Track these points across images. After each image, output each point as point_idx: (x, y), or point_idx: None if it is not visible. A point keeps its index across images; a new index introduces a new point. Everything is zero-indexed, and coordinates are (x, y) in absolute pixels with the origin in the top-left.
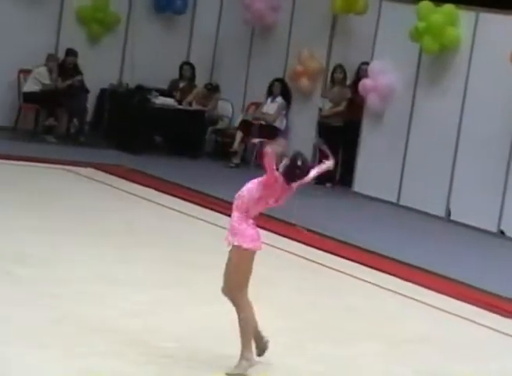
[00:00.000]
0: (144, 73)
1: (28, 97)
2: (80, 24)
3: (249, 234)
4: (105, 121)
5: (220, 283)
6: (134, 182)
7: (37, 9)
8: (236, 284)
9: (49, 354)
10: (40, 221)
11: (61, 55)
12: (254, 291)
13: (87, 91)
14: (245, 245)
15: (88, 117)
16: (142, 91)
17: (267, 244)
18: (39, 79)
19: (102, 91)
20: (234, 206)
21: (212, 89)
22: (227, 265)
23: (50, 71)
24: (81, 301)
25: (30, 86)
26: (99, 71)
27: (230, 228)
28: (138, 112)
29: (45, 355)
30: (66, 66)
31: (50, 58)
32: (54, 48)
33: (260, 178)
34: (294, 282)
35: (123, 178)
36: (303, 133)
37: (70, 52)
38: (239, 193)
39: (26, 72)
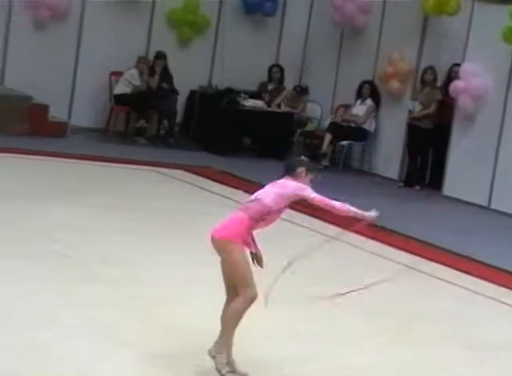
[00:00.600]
0: (233, 75)
1: (119, 99)
2: (170, 27)
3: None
4: (194, 123)
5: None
6: (223, 184)
7: (128, 12)
8: None
9: (136, 353)
10: (128, 222)
11: (151, 58)
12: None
13: (177, 93)
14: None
15: (178, 119)
16: (231, 93)
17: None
18: (130, 81)
19: (192, 93)
20: (245, 207)
21: (301, 91)
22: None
23: (141, 73)
24: (167, 301)
25: (122, 88)
26: (189, 73)
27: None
28: (227, 114)
29: (132, 354)
30: (156, 69)
31: (141, 60)
32: (145, 51)
33: (290, 192)
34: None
35: (212, 179)
36: (393, 136)
37: (160, 55)
38: (262, 199)
39: (117, 74)
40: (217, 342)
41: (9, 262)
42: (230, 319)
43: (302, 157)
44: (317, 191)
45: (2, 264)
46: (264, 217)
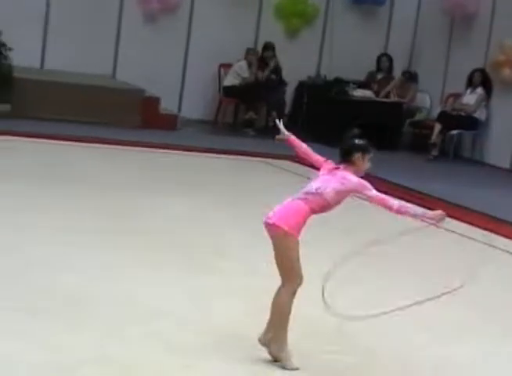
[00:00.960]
0: (342, 65)
1: (228, 91)
2: (279, 18)
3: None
4: (303, 114)
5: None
6: None
7: (237, 4)
8: None
9: (248, 344)
10: (240, 213)
11: (260, 49)
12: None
13: (285, 84)
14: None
15: (287, 109)
16: (339, 83)
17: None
18: (239, 73)
19: (301, 83)
20: (305, 198)
21: (410, 77)
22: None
23: (250, 65)
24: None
25: (230, 80)
26: (298, 64)
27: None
28: (335, 104)
29: (243, 345)
30: (265, 61)
31: (249, 52)
32: (253, 42)
33: (350, 189)
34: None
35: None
36: (504, 124)
37: (268, 47)
38: (324, 193)
39: (226, 66)
40: (268, 332)
41: (124, 254)
42: (278, 315)
43: (356, 141)
44: (428, 183)
45: (116, 255)
46: (324, 210)
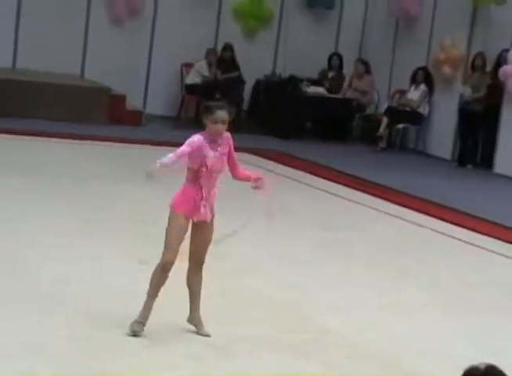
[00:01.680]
0: (296, 64)
1: (190, 89)
2: (237, 20)
3: None
4: (260, 109)
5: None
6: (286, 166)
7: (198, 7)
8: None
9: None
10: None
11: (219, 49)
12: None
13: (243, 82)
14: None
15: (245, 105)
16: (294, 81)
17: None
18: (200, 72)
19: (258, 81)
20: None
21: (364, 64)
22: (207, 238)
23: (210, 65)
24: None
25: (192, 79)
26: (255, 63)
27: (210, 204)
28: (290, 100)
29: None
30: (224, 60)
31: (210, 52)
32: (213, 43)
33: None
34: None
35: (276, 161)
36: (445, 118)
37: (227, 47)
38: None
39: (188, 66)
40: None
41: None
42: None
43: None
44: (376, 173)
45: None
46: (198, 175)
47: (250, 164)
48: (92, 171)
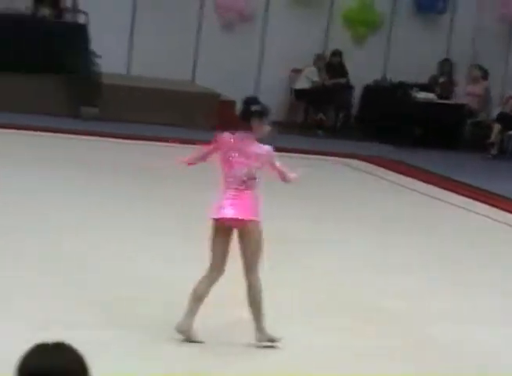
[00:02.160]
0: (406, 69)
1: (299, 94)
2: (346, 26)
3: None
4: (369, 115)
5: None
6: (396, 172)
7: (308, 13)
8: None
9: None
10: (305, 208)
11: (328, 55)
12: None
13: (352, 88)
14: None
15: (354, 111)
16: (404, 86)
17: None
18: (309, 77)
19: (367, 87)
20: (245, 186)
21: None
22: (247, 246)
23: (319, 70)
24: (354, 286)
25: (301, 84)
26: (364, 69)
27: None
28: (400, 106)
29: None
30: (333, 66)
31: (319, 58)
32: (322, 48)
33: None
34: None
35: (386, 168)
36: None
37: (336, 53)
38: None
39: (297, 71)
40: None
41: None
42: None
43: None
44: (487, 180)
45: None
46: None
47: (359, 170)
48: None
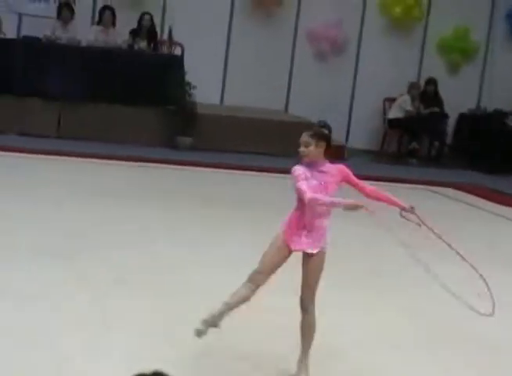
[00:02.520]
0: (501, 97)
1: (392, 123)
2: (441, 54)
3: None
4: (464, 144)
5: None
6: (495, 203)
7: (401, 41)
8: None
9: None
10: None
11: (422, 83)
12: None
13: (446, 116)
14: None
15: (448, 140)
16: (499, 114)
17: None
18: (403, 106)
19: (461, 115)
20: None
21: None
22: (314, 272)
23: (413, 99)
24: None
25: (395, 113)
26: (458, 97)
27: (314, 235)
28: (495, 134)
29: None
30: (427, 94)
31: (413, 86)
32: (416, 77)
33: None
34: None
35: (483, 198)
36: None
37: (431, 81)
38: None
39: (391, 100)
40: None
41: None
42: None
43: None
44: None
45: None
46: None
47: (456, 201)
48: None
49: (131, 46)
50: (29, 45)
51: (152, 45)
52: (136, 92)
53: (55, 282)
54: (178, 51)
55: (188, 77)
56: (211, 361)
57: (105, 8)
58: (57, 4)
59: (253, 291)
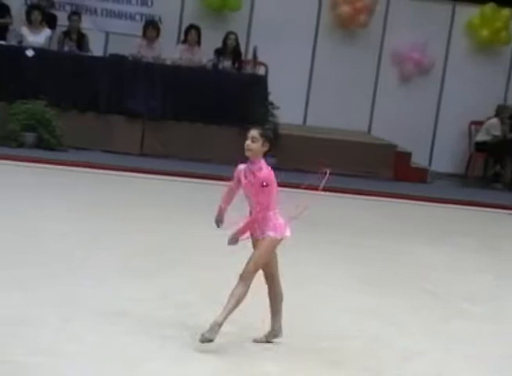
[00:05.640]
0: None
1: (479, 146)
2: None
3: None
4: None
5: None
6: None
7: (488, 62)
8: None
9: None
10: (488, 264)
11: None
12: None
13: None
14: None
15: None
16: None
17: None
18: (490, 130)
19: None
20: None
21: None
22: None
23: (501, 122)
24: None
25: (482, 136)
26: None
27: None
28: None
29: None
30: None
31: (501, 109)
32: (503, 99)
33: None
34: None
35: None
36: None
37: None
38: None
39: (477, 123)
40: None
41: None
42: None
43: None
44: None
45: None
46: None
47: None
48: (378, 227)
49: (215, 65)
50: (115, 63)
51: (236, 64)
52: (219, 111)
53: (139, 298)
54: (261, 71)
55: (271, 98)
56: None
57: (191, 27)
58: (143, 23)
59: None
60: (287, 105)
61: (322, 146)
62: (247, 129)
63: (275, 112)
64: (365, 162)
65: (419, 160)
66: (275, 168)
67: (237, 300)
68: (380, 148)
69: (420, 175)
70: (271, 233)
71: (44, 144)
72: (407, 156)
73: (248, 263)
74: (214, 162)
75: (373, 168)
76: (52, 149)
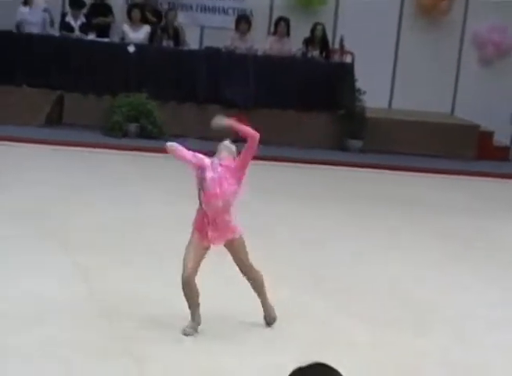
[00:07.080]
0: None
1: None
2: None
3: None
4: None
5: None
6: None
7: None
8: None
9: None
10: None
11: None
12: None
13: None
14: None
15: None
16: None
17: None
18: None
19: None
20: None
21: None
22: (239, 252)
23: None
24: None
25: None
26: None
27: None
28: None
29: None
30: None
31: None
32: None
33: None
34: None
35: None
36: None
37: None
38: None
39: None
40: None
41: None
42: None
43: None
44: None
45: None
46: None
47: None
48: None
49: (304, 54)
50: (211, 55)
51: (324, 53)
52: (309, 98)
53: None
54: (348, 59)
55: (358, 84)
56: None
57: (280, 19)
58: (236, 16)
59: (190, 286)
60: (373, 90)
61: (407, 128)
62: (337, 114)
63: (362, 97)
64: (450, 143)
65: (500, 138)
66: (361, 151)
67: (261, 283)
68: (464, 128)
69: (503, 154)
70: (237, 236)
71: (146, 133)
72: (489, 135)
73: (241, 266)
74: (304, 146)
75: (457, 148)
76: (153, 138)
